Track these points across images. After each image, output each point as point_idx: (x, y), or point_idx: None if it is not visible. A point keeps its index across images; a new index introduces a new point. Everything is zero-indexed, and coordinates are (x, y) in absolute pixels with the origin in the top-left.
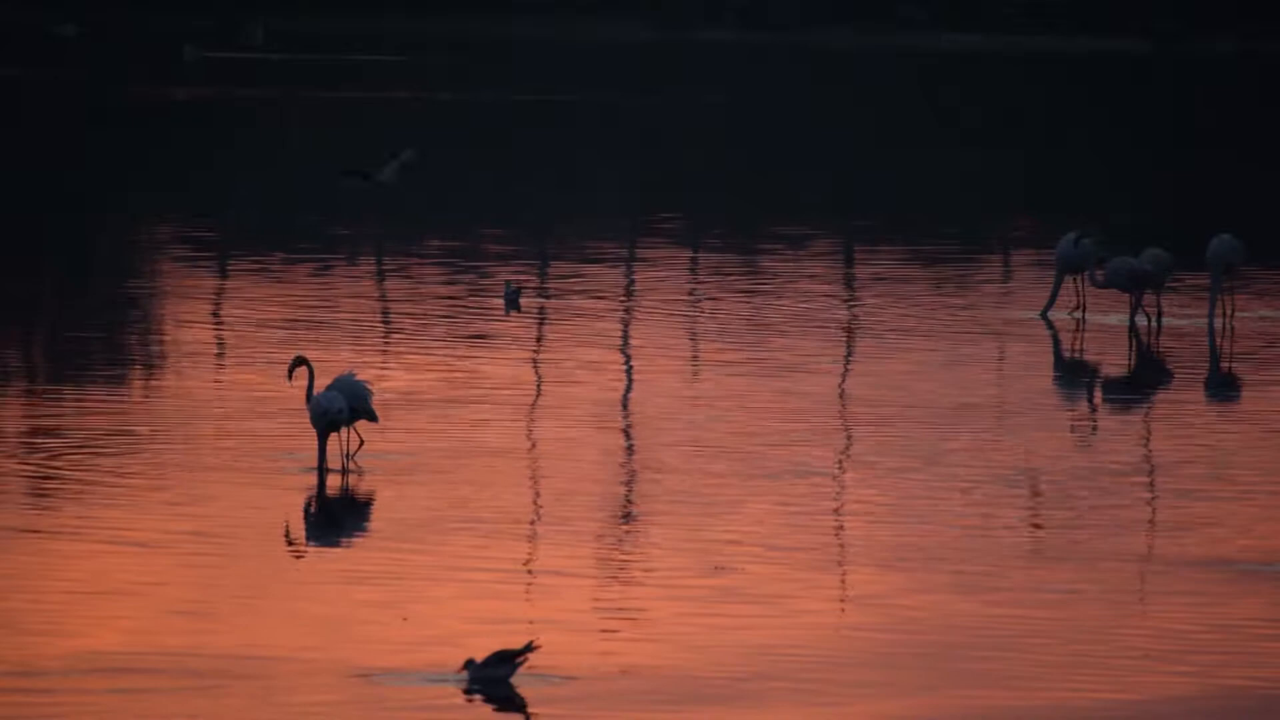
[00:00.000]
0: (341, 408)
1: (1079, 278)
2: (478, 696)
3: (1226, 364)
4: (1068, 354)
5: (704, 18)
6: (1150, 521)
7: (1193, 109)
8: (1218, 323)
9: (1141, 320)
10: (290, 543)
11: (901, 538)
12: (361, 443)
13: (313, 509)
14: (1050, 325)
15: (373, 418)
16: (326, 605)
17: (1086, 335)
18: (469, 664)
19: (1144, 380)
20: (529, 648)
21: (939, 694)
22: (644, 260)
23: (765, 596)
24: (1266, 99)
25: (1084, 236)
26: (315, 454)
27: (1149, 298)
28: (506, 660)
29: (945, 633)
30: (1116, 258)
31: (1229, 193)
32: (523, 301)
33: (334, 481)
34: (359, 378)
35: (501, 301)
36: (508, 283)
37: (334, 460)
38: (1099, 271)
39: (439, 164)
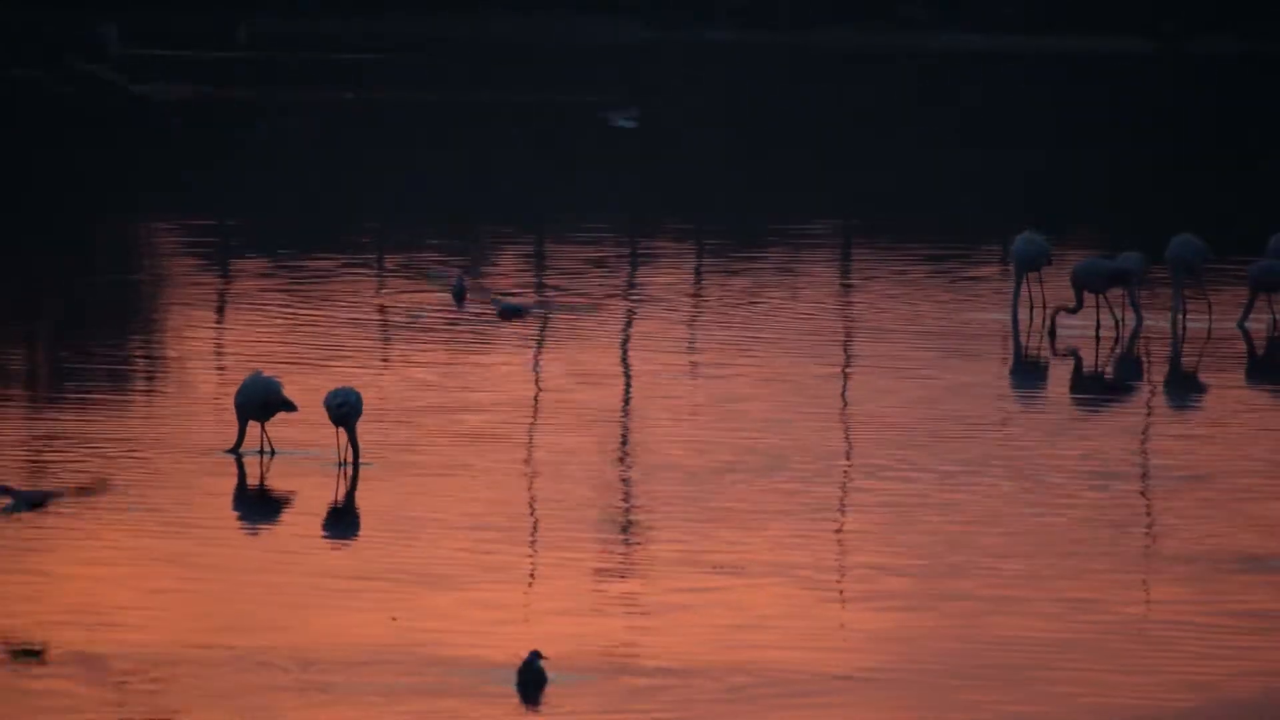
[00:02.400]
0: (344, 400)
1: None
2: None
3: (1193, 364)
4: (1053, 357)
5: (703, 18)
6: (1148, 517)
7: (1194, 109)
8: (1208, 322)
9: (1109, 320)
10: (287, 539)
11: (902, 539)
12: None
13: (310, 506)
14: (1016, 326)
15: (291, 407)
16: (323, 602)
17: (1067, 336)
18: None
19: (1121, 379)
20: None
21: (941, 695)
22: (643, 262)
23: (766, 596)
24: (1268, 100)
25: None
26: (295, 451)
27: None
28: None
29: (946, 632)
30: (1091, 259)
31: (1229, 194)
32: (509, 302)
33: (330, 479)
34: (266, 374)
35: (479, 298)
36: (459, 277)
37: (268, 457)
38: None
39: (437, 164)
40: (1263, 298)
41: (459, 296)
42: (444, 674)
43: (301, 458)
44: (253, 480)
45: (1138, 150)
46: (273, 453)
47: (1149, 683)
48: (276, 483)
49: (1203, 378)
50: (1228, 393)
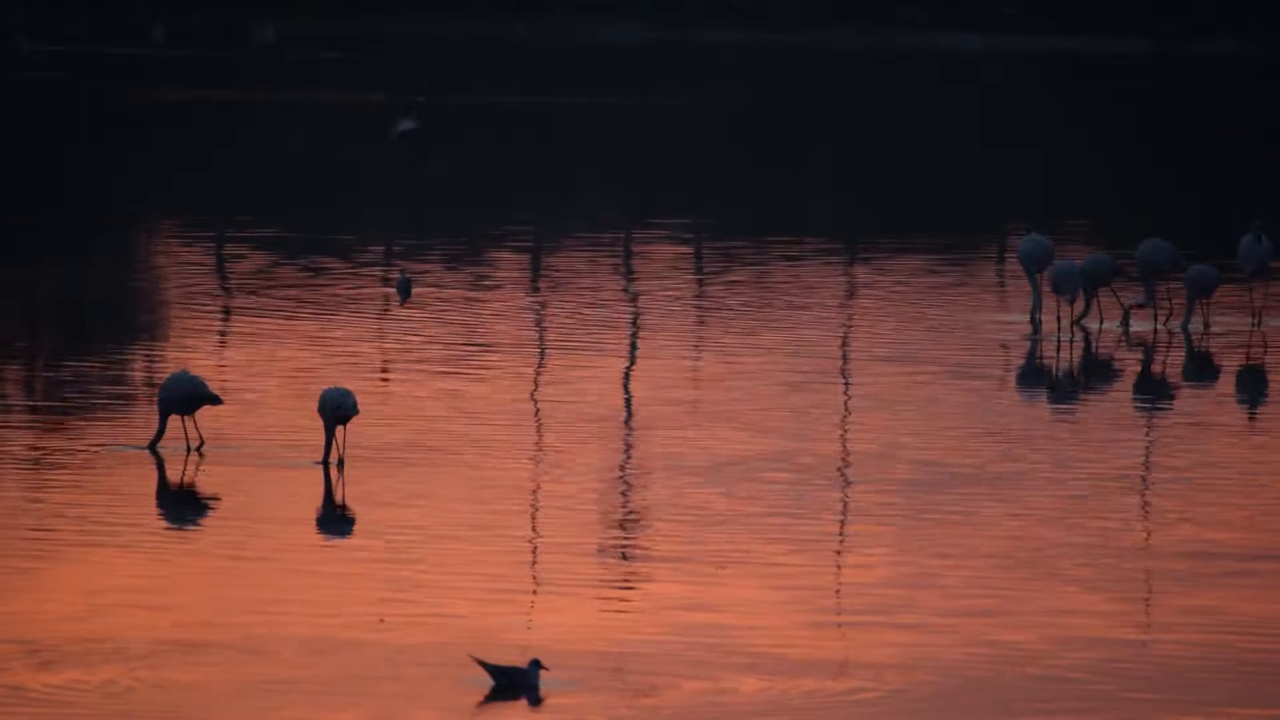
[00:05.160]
0: (340, 403)
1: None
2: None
3: (1172, 366)
4: (1052, 358)
5: (704, 17)
6: (1146, 518)
7: (1193, 110)
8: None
9: (1089, 323)
10: (281, 538)
11: (903, 542)
12: (201, 442)
13: (306, 505)
14: (1036, 329)
15: (216, 400)
16: (312, 602)
17: (1062, 338)
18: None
19: (1113, 381)
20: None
21: (942, 699)
22: (643, 263)
23: (765, 597)
24: (1267, 100)
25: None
26: (307, 448)
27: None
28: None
29: (948, 634)
30: (1061, 261)
31: (1228, 194)
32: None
33: (322, 477)
34: (192, 373)
35: (452, 293)
36: (401, 272)
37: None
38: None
39: (437, 165)
40: (1202, 301)
41: (404, 290)
42: (436, 676)
43: (305, 460)
44: (249, 480)
45: (1137, 150)
46: (200, 444)
47: (1148, 682)
48: (272, 482)
49: (1185, 379)
50: (1203, 394)
